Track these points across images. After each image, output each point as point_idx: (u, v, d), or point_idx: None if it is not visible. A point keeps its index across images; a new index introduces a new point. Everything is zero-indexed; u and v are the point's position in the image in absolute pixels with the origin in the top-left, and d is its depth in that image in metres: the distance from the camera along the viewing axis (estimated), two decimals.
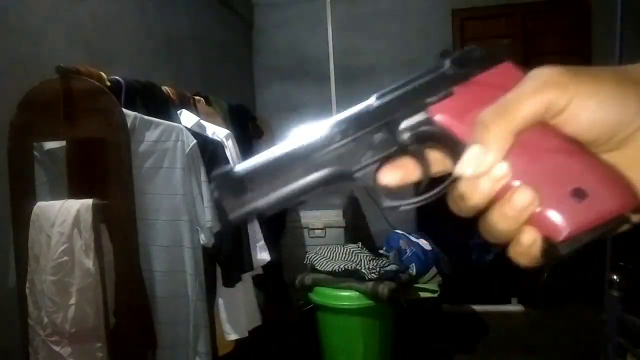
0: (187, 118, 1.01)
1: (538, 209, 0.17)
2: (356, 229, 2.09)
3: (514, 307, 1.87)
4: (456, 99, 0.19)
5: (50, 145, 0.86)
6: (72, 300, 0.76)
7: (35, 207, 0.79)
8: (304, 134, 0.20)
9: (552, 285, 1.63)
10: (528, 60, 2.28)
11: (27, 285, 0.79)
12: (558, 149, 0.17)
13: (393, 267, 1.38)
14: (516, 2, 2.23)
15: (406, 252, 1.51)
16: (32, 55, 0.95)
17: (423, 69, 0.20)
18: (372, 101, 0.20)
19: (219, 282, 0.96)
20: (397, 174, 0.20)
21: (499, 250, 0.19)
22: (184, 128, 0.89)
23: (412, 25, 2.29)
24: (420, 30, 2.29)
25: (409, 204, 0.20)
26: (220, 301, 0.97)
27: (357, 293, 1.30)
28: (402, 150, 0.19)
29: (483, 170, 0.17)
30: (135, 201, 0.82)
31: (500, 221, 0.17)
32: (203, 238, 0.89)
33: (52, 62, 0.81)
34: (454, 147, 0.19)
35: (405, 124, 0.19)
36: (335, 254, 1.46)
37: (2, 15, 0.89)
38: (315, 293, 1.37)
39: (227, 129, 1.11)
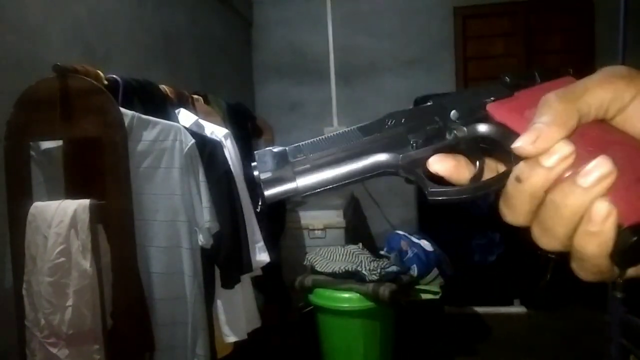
0: (186, 117, 1.00)
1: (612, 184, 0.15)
2: (357, 230, 2.08)
3: (516, 308, 1.86)
4: (514, 99, 0.18)
5: (47, 144, 0.85)
6: (69, 302, 0.75)
7: (31, 208, 0.79)
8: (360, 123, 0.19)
9: (554, 287, 1.62)
10: (530, 58, 2.26)
11: (24, 286, 0.78)
12: (621, 142, 0.16)
13: (394, 268, 1.37)
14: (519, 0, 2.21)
15: (407, 253, 1.50)
16: (29, 54, 0.94)
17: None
18: (425, 98, 0.21)
19: (218, 283, 0.95)
20: (449, 163, 0.19)
21: (547, 259, 0.17)
22: (182, 127, 0.88)
23: (413, 23, 2.28)
24: (422, 28, 2.27)
25: (457, 192, 0.18)
26: (219, 303, 0.96)
27: (358, 295, 1.29)
28: (456, 145, 0.19)
29: (547, 145, 0.16)
30: (133, 201, 0.82)
31: (570, 195, 0.15)
32: (201, 239, 0.88)
33: (49, 60, 0.80)
34: (507, 151, 0.17)
35: (462, 119, 0.18)
36: (336, 255, 1.45)
37: None
38: (316, 295, 1.36)
39: (226, 128, 1.10)
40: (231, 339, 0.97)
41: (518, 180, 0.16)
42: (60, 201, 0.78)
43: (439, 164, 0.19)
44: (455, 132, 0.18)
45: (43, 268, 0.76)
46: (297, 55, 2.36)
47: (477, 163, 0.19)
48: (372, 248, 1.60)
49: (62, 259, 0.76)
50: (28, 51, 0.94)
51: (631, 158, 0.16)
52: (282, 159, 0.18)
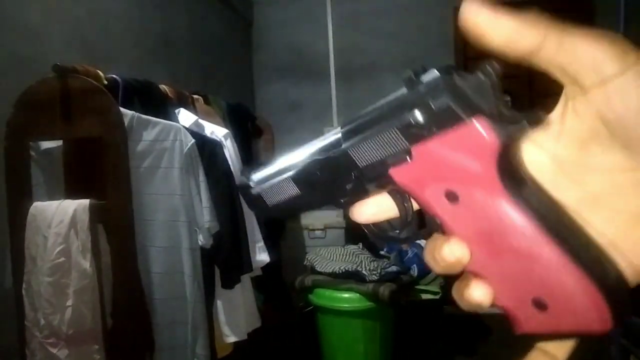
0: (186, 117, 1.00)
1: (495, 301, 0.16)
2: (357, 230, 2.06)
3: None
4: (413, 166, 0.17)
5: (47, 144, 0.85)
6: (69, 302, 0.75)
7: (31, 208, 0.79)
8: (293, 154, 0.21)
9: None
10: None
11: (24, 286, 0.78)
12: (522, 239, 0.15)
13: (394, 268, 1.37)
14: (519, 0, 2.21)
15: (407, 253, 1.50)
16: (29, 54, 0.94)
17: (393, 96, 0.18)
18: (339, 137, 0.19)
19: (218, 283, 0.95)
20: (368, 210, 0.19)
21: None
22: (182, 127, 0.88)
23: (413, 23, 2.27)
24: (422, 27, 2.27)
25: (392, 238, 0.20)
26: (219, 303, 0.96)
27: (358, 294, 1.29)
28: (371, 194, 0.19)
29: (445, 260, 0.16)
30: (133, 201, 0.82)
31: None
32: (201, 239, 0.88)
33: (49, 60, 0.80)
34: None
35: (369, 176, 0.19)
36: (336, 255, 1.44)
37: None
38: (316, 295, 1.36)
39: (226, 128, 1.10)
40: (231, 339, 0.97)
41: (433, 260, 0.17)
42: (60, 201, 0.78)
43: (359, 213, 0.19)
44: (368, 188, 0.19)
45: (43, 268, 0.76)
46: (297, 55, 2.36)
47: (400, 209, 0.19)
48: (372, 248, 1.60)
49: (62, 259, 0.76)
50: (28, 51, 0.94)
51: (528, 269, 0.15)
52: (256, 194, 0.22)
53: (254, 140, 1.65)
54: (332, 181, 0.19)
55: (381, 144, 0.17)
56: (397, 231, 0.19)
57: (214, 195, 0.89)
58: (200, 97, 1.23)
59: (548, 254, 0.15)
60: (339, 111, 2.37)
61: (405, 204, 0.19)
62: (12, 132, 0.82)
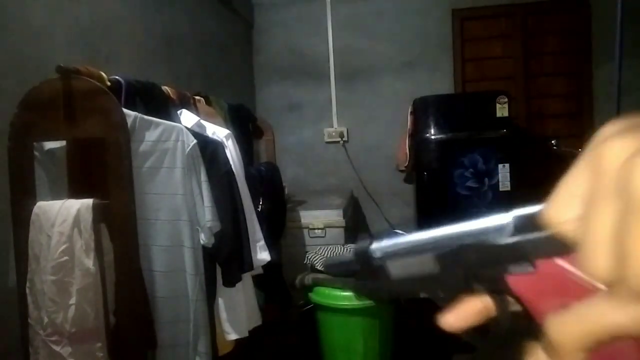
0: (187, 118, 1.01)
1: None
2: (356, 229, 2.09)
3: (516, 307, 1.88)
4: (535, 278, 0.16)
5: (50, 145, 0.86)
6: (72, 300, 0.76)
7: (35, 207, 0.79)
8: (440, 234, 0.20)
9: None
10: (528, 60, 2.28)
11: (27, 285, 0.79)
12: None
13: None
14: (516, 2, 2.23)
15: None
16: (33, 55, 0.95)
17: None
18: (503, 222, 0.17)
19: (219, 282, 0.96)
20: (458, 319, 0.19)
21: None
22: (184, 128, 0.89)
23: (412, 25, 2.29)
24: (420, 30, 2.29)
25: (474, 341, 0.19)
26: (221, 301, 0.97)
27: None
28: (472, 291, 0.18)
29: None
30: (136, 201, 0.82)
31: None
32: (203, 238, 0.89)
33: (52, 62, 0.81)
34: (527, 329, 0.16)
35: (482, 279, 0.18)
36: (336, 254, 1.45)
37: (2, 15, 0.89)
38: (316, 293, 1.36)
39: (228, 128, 1.11)
40: (232, 336, 0.98)
41: None
42: (63, 201, 0.79)
43: (449, 322, 0.18)
44: (475, 287, 0.18)
45: (46, 267, 0.77)
46: (298, 57, 2.37)
47: (498, 309, 0.18)
48: None
49: (66, 258, 0.77)
50: (31, 52, 0.95)
51: None
52: (378, 265, 0.21)
53: (255, 140, 1.65)
54: (477, 269, 0.18)
55: (501, 251, 0.17)
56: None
57: (216, 195, 0.90)
58: (202, 98, 1.24)
59: None
60: (338, 112, 2.38)
61: (504, 307, 0.18)
62: (16, 132, 0.82)
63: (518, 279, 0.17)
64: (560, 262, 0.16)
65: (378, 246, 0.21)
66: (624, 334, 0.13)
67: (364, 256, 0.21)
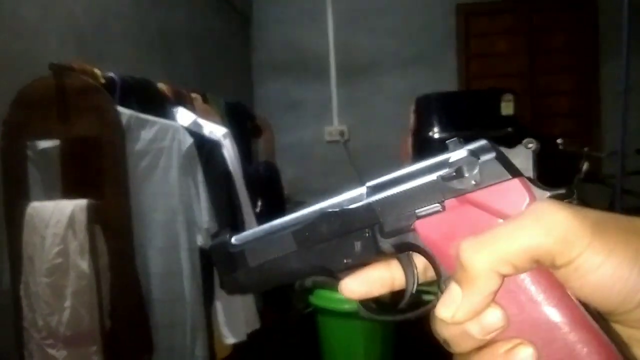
0: (184, 116, 0.99)
1: None
2: None
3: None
4: (446, 217, 0.16)
5: (43, 144, 0.84)
6: (67, 303, 0.75)
7: (28, 208, 0.78)
8: (297, 214, 0.19)
9: None
10: (534, 56, 2.24)
11: (22, 287, 0.78)
12: (555, 308, 0.14)
13: None
14: None
15: None
16: (25, 53, 0.93)
17: (429, 159, 0.18)
18: (362, 192, 0.18)
19: (217, 284, 0.94)
20: (361, 286, 0.18)
21: None
22: (180, 127, 0.87)
23: (415, 20, 2.25)
24: (424, 25, 2.25)
25: (385, 319, 0.18)
26: (218, 304, 0.96)
27: None
28: (383, 256, 0.18)
29: (466, 317, 0.15)
30: (131, 202, 0.81)
31: None
32: (200, 239, 0.87)
33: (45, 59, 0.79)
34: (435, 273, 0.17)
35: (389, 227, 0.18)
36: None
37: None
38: (316, 296, 1.35)
39: (225, 127, 1.09)
40: (230, 340, 0.97)
41: (445, 344, 0.16)
42: (57, 201, 0.78)
43: (350, 288, 0.18)
44: (381, 248, 0.18)
45: (41, 269, 0.76)
46: (297, 53, 2.34)
47: (408, 279, 0.18)
48: None
49: (60, 260, 0.75)
50: (24, 50, 0.93)
51: (562, 335, 0.14)
52: (234, 256, 0.20)
53: (253, 139, 1.63)
54: (340, 237, 0.18)
55: (414, 196, 0.17)
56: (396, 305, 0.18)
57: (213, 196, 0.88)
58: (198, 96, 1.22)
59: (581, 312, 0.14)
60: (339, 110, 2.35)
61: (414, 273, 0.18)
62: (9, 131, 0.81)
63: (427, 223, 0.17)
64: (473, 198, 0.16)
65: (237, 237, 0.20)
66: (530, 253, 0.14)
67: (220, 248, 0.20)
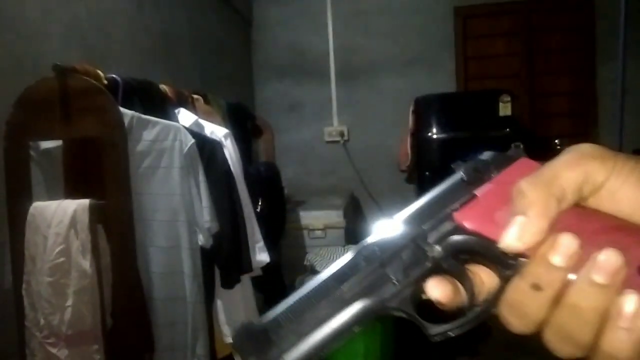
0: (185, 117, 1.00)
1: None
2: (357, 230, 2.07)
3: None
4: (480, 202, 0.17)
5: (46, 144, 0.85)
6: (69, 302, 0.75)
7: (31, 208, 0.78)
8: (329, 268, 0.18)
9: None
10: (532, 58, 2.26)
11: (24, 286, 0.78)
12: (607, 228, 0.15)
13: None
14: None
15: None
16: (29, 54, 0.94)
17: (442, 184, 0.18)
18: (392, 222, 0.18)
19: (218, 283, 0.95)
20: (447, 287, 0.17)
21: None
22: (182, 127, 0.88)
23: (414, 23, 2.27)
24: (422, 27, 2.27)
25: (459, 326, 0.17)
26: (219, 303, 0.96)
27: None
28: (437, 266, 0.17)
29: (534, 238, 0.15)
30: (133, 201, 0.81)
31: (591, 296, 0.14)
32: (201, 239, 0.88)
33: (48, 60, 0.80)
34: (491, 256, 0.17)
35: (433, 237, 0.17)
36: (336, 255, 1.45)
37: None
38: None
39: (226, 127, 1.10)
40: (231, 339, 0.97)
41: (537, 288, 0.15)
42: (59, 201, 0.78)
43: (436, 290, 0.17)
44: (431, 254, 0.17)
45: (43, 268, 0.76)
46: (297, 54, 2.35)
47: (467, 285, 0.18)
48: None
49: (62, 259, 0.76)
50: (27, 51, 0.94)
51: (624, 244, 0.15)
52: (263, 339, 0.17)
53: (254, 140, 1.64)
54: (386, 264, 0.17)
55: (445, 197, 0.18)
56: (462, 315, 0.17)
57: (214, 195, 0.89)
58: (200, 97, 1.23)
59: (629, 223, 0.15)
60: (338, 110, 2.36)
61: (467, 282, 0.17)
62: (12, 132, 0.81)
63: (465, 212, 0.17)
64: (498, 180, 0.17)
65: (260, 318, 0.18)
66: (576, 175, 0.16)
67: (245, 333, 0.18)
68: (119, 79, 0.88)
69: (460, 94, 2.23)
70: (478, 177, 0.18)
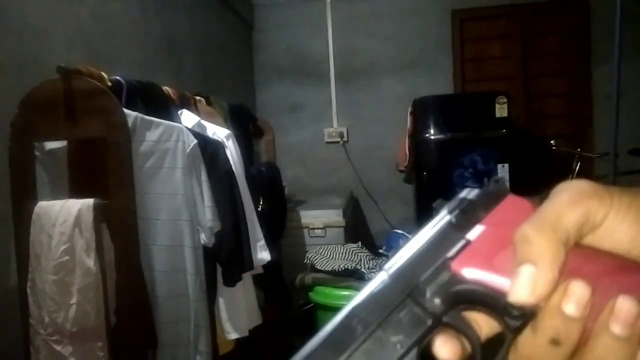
0: (188, 118, 1.01)
1: None
2: (356, 229, 2.09)
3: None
4: (475, 248, 0.16)
5: (51, 145, 0.86)
6: (73, 300, 0.76)
7: (36, 207, 0.79)
8: (318, 334, 0.16)
9: None
10: (528, 60, 2.28)
11: (28, 284, 0.79)
12: (611, 269, 0.15)
13: None
14: (516, 2, 2.23)
15: None
16: (33, 56, 0.95)
17: (432, 224, 0.17)
18: (383, 276, 0.17)
19: (220, 281, 0.96)
20: (454, 345, 0.16)
21: None
22: (184, 128, 0.89)
23: (412, 26, 2.30)
24: (420, 30, 2.29)
25: None
26: (221, 300, 0.97)
27: (357, 292, 1.30)
28: (438, 322, 0.16)
29: (546, 290, 0.14)
30: (136, 201, 0.82)
31: (616, 349, 0.13)
32: (204, 238, 0.89)
33: (53, 62, 0.81)
34: (495, 306, 0.16)
35: (430, 290, 0.16)
36: (335, 254, 1.46)
37: (2, 16, 0.89)
38: (316, 292, 1.37)
39: (228, 129, 1.11)
40: (233, 335, 0.98)
41: (556, 342, 0.14)
42: (64, 200, 0.79)
43: (445, 350, 0.15)
44: (432, 308, 0.16)
45: (47, 266, 0.77)
46: (298, 57, 2.37)
47: (473, 340, 0.16)
48: (372, 247, 1.61)
49: (66, 258, 0.77)
50: (31, 53, 0.95)
51: (630, 286, 0.14)
52: None
53: (255, 140, 1.66)
54: (381, 325, 0.15)
55: (436, 245, 0.17)
56: None
57: (216, 195, 0.90)
58: (202, 98, 1.24)
59: (630, 261, 0.15)
60: (338, 112, 2.38)
61: (470, 330, 0.16)
62: (17, 132, 0.83)
63: (461, 260, 0.16)
64: (488, 221, 0.17)
65: None
66: (578, 215, 0.15)
67: None
68: (122, 80, 0.90)
69: (458, 95, 2.25)
70: (466, 219, 0.17)
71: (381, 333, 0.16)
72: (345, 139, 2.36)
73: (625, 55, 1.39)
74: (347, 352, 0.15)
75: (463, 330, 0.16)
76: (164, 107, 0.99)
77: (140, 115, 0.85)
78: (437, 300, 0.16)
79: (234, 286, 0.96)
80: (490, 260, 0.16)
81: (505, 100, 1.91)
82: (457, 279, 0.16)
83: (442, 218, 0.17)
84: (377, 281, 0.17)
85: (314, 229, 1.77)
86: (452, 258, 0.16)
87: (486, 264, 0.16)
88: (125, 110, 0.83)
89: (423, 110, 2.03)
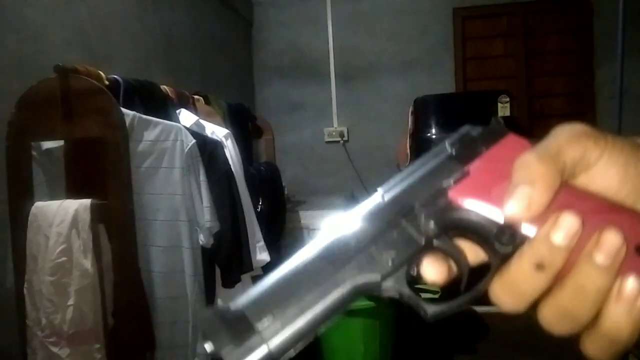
0: (186, 117, 1.00)
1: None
2: None
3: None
4: (474, 178, 0.17)
5: (48, 144, 0.86)
6: (71, 301, 0.76)
7: (33, 207, 0.79)
8: (312, 245, 0.17)
9: None
10: (530, 59, 2.27)
11: (25, 285, 0.79)
12: (601, 207, 0.15)
13: None
14: (518, 0, 2.22)
15: None
16: (31, 55, 0.95)
17: (424, 157, 0.18)
18: (379, 195, 0.17)
19: (218, 282, 0.95)
20: (442, 266, 0.17)
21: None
22: (183, 127, 0.89)
23: (413, 24, 2.28)
24: (421, 28, 2.28)
25: (456, 306, 0.17)
26: (220, 302, 0.97)
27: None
28: (430, 244, 0.17)
29: (537, 207, 0.15)
30: (134, 201, 0.82)
31: (594, 276, 0.14)
32: (202, 238, 0.88)
33: (50, 61, 0.80)
34: (486, 233, 0.16)
35: (426, 213, 0.16)
36: None
37: (1, 15, 0.89)
38: None
39: (227, 128, 1.10)
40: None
41: (539, 267, 0.15)
42: (61, 201, 0.79)
43: (432, 269, 0.17)
44: (425, 230, 0.16)
45: (44, 267, 0.77)
46: (298, 55, 2.36)
47: (461, 264, 0.17)
48: None
49: (64, 259, 0.76)
50: (29, 52, 0.95)
51: (618, 223, 0.15)
52: (241, 325, 0.14)
53: (254, 140, 1.65)
54: (376, 241, 0.16)
55: (436, 174, 0.17)
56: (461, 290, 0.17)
57: (215, 195, 0.89)
58: (200, 98, 1.23)
59: (617, 202, 0.16)
60: (338, 111, 2.37)
61: (459, 255, 0.17)
62: (14, 132, 0.82)
63: (459, 189, 0.17)
64: (488, 155, 0.17)
65: (233, 302, 0.15)
66: (574, 162, 0.16)
67: (215, 321, 0.15)
68: (120, 79, 0.89)
69: (459, 94, 2.24)
70: (467, 152, 0.17)
71: (373, 248, 0.16)
72: (345, 138, 2.35)
73: (628, 54, 1.38)
74: (338, 261, 0.16)
75: (453, 254, 0.17)
76: (162, 106, 0.98)
77: (138, 114, 0.84)
78: (431, 223, 0.17)
79: (233, 287, 0.95)
80: (487, 192, 0.17)
81: (507, 99, 1.90)
82: (453, 206, 0.17)
83: (442, 149, 0.18)
84: (373, 201, 0.17)
85: (314, 229, 1.76)
86: (450, 187, 0.17)
87: (483, 195, 0.17)
88: (123, 110, 0.82)
89: (424, 109, 2.02)
